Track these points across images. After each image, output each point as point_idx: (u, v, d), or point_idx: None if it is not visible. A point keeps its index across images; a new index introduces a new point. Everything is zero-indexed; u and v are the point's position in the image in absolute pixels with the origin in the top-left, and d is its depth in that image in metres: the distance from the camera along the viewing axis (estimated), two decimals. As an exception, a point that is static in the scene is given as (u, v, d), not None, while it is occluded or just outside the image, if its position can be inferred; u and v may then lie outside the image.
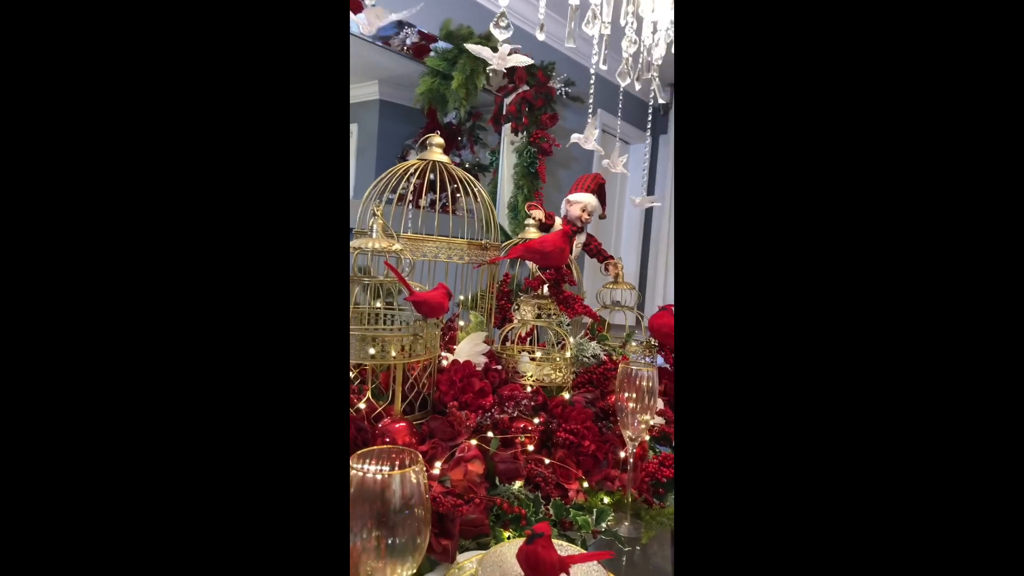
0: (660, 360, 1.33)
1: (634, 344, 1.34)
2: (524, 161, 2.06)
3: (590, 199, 1.35)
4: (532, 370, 0.99)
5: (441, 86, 1.87)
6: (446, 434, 0.78)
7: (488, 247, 1.02)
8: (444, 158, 1.04)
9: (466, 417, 0.76)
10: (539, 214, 1.24)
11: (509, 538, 0.74)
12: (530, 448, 0.79)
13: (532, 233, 1.23)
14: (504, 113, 2.17)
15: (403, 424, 0.74)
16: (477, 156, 2.17)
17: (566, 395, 0.98)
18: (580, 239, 1.39)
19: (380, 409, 0.77)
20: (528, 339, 1.16)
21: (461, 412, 0.76)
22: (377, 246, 0.81)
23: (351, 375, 0.86)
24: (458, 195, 1.01)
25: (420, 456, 0.47)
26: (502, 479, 0.78)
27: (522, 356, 1.04)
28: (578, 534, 0.76)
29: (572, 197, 1.35)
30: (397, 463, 0.49)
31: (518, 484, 0.78)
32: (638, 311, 1.36)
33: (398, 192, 1.00)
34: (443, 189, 1.03)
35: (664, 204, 3.44)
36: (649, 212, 3.48)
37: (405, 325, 0.86)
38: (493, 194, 2.19)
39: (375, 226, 0.84)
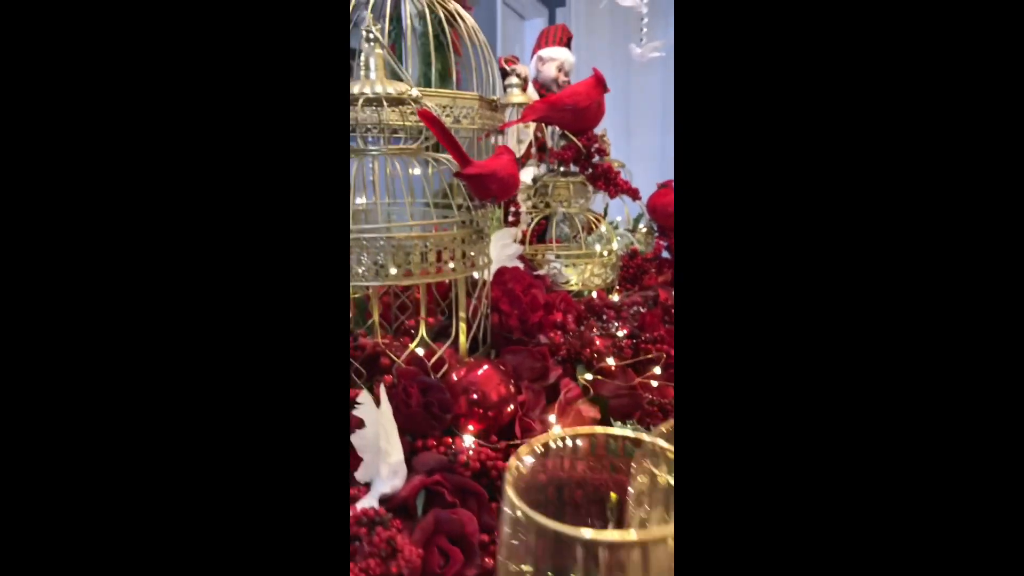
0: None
1: (643, 230, 1.14)
2: (433, 29, 1.65)
3: (567, 55, 1.07)
4: (575, 274, 0.76)
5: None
6: (534, 371, 0.53)
7: (499, 107, 0.73)
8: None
9: (566, 341, 0.52)
10: (525, 70, 0.94)
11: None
12: (654, 371, 0.58)
13: (517, 97, 0.94)
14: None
15: (488, 369, 0.47)
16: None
17: (615, 297, 0.77)
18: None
19: (440, 352, 0.49)
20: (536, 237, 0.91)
21: (561, 334, 0.51)
22: (390, 90, 0.49)
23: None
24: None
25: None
26: (616, 417, 0.56)
27: (547, 256, 0.80)
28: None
29: (545, 53, 1.06)
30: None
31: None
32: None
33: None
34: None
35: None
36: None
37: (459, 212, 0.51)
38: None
39: (371, 57, 0.50)
